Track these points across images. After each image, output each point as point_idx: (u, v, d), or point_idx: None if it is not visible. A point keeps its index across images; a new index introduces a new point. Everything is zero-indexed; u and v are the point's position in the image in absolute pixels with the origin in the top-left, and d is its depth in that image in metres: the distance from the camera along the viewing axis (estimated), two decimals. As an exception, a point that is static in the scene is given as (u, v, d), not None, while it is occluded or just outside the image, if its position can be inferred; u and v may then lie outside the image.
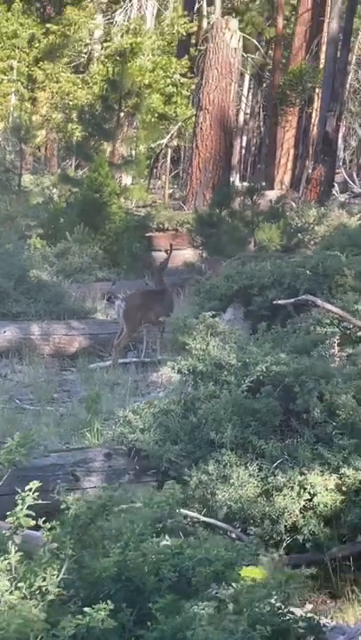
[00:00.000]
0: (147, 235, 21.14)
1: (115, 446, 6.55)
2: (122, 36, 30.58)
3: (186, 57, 32.02)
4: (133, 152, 30.03)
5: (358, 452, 5.70)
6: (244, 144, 46.76)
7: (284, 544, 5.61)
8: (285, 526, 5.64)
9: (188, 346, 6.61)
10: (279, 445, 5.92)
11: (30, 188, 21.24)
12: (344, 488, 5.60)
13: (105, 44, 30.92)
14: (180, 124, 30.39)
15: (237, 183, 31.35)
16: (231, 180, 29.76)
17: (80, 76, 31.17)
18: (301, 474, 5.68)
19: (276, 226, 17.57)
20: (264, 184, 31.01)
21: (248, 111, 45.94)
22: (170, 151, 32.72)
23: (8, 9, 32.12)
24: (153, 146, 31.02)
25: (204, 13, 34.68)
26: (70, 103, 30.04)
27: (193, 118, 28.73)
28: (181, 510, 4.82)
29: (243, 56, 29.92)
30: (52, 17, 32.55)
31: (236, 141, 51.82)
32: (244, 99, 47.57)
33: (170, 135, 30.61)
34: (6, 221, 19.74)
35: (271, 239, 17.16)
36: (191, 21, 35.97)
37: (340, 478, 5.62)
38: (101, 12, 32.42)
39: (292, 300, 10.51)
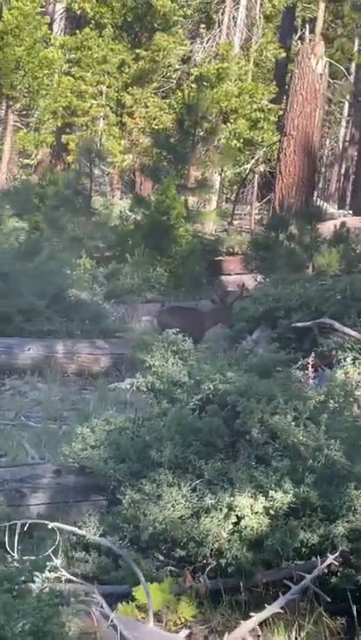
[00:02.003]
0: (215, 259, 21.11)
1: (68, 463, 6.44)
2: (209, 62, 30.69)
3: (273, 83, 31.93)
4: (218, 176, 30.14)
5: (292, 474, 5.47)
6: (343, 171, 46.41)
7: (208, 568, 5.41)
8: (212, 550, 5.44)
9: (146, 363, 6.46)
10: (218, 466, 5.73)
11: (100, 210, 21.35)
12: (272, 512, 5.39)
13: (192, 70, 31.03)
14: (264, 149, 30.25)
15: (333, 210, 31.11)
16: (325, 206, 29.49)
17: (167, 101, 31.36)
18: (232, 496, 5.48)
19: (336, 250, 17.27)
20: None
21: (348, 138, 45.59)
22: (257, 176, 32.59)
23: (100, 35, 32.58)
24: (239, 171, 31.02)
25: (307, 40, 34.58)
26: (156, 128, 30.22)
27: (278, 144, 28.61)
28: (57, 524, 4.69)
29: (329, 82, 29.66)
30: (142, 43, 32.86)
31: (334, 169, 51.51)
32: (344, 125, 47.30)
33: (255, 160, 30.50)
34: (73, 243, 19.89)
35: (330, 264, 16.86)
36: (289, 48, 36.01)
37: (269, 501, 5.39)
38: (190, 38, 32.56)
39: (310, 322, 10.34)
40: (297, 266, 16.77)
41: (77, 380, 11.42)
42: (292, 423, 5.64)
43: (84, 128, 32.21)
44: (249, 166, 30.39)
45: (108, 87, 32.25)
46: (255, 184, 32.65)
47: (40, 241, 18.73)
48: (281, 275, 16.03)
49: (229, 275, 19.76)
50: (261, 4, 32.81)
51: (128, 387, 6.59)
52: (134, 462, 6.11)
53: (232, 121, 29.95)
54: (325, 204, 31.08)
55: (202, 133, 23.02)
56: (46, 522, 5.07)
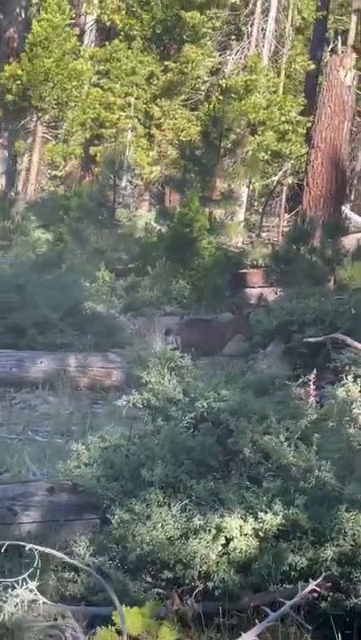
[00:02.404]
0: (239, 271, 21.00)
1: (61, 480, 6.35)
2: (237, 74, 30.63)
3: (302, 95, 31.81)
4: (245, 188, 30.03)
5: (282, 495, 5.35)
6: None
7: (196, 591, 5.30)
8: (199, 572, 5.32)
9: (142, 379, 6.36)
10: (209, 486, 5.62)
11: (123, 222, 21.30)
12: (261, 534, 5.27)
13: (220, 82, 30.97)
14: (292, 161, 30.11)
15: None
16: (356, 219, 29.33)
17: (195, 112, 31.31)
18: (221, 517, 5.37)
19: (359, 264, 17.12)
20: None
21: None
22: (285, 189, 32.44)
23: (129, 47, 32.62)
24: (267, 183, 30.91)
25: (340, 52, 34.36)
26: (184, 139, 30.17)
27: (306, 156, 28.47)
28: (34, 546, 4.60)
29: (358, 94, 29.48)
30: (170, 55, 32.87)
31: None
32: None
33: (282, 172, 30.37)
34: (96, 255, 19.86)
35: (352, 278, 16.73)
36: (320, 60, 35.87)
37: (259, 523, 5.28)
38: (219, 50, 32.51)
39: (322, 337, 10.21)
40: (318, 279, 16.62)
41: (89, 393, 11.33)
42: (285, 443, 5.52)
43: (112, 140, 32.21)
44: (277, 178, 30.25)
45: (136, 99, 32.26)
46: (283, 196, 32.48)
47: (62, 252, 18.75)
48: (302, 288, 15.91)
49: (253, 287, 19.67)
50: (291, 16, 32.66)
51: (124, 403, 6.46)
52: (127, 481, 6.01)
53: (260, 133, 29.84)
54: (359, 217, 30.83)
55: (228, 145, 22.90)
56: (23, 543, 4.96)
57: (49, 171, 33.82)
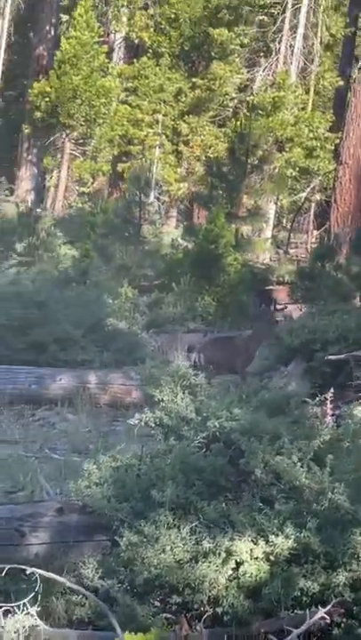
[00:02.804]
0: (265, 288, 20.83)
1: (71, 501, 6.23)
2: (265, 90, 30.56)
3: (331, 111, 31.67)
4: (273, 204, 29.90)
5: (294, 518, 5.20)
6: None
7: (205, 616, 5.15)
8: (208, 597, 5.18)
9: (155, 397, 6.24)
10: (220, 508, 5.48)
11: (149, 239, 21.24)
12: (272, 557, 5.13)
13: (248, 98, 30.91)
14: (320, 177, 29.95)
15: None
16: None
17: (222, 129, 31.25)
18: (231, 540, 5.23)
19: (386, 281, 16.95)
20: None
21: None
22: (313, 205, 32.29)
23: (157, 63, 32.66)
24: (295, 199, 30.77)
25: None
26: (211, 156, 30.09)
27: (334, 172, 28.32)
28: (38, 570, 4.47)
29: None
30: (198, 71, 32.86)
31: None
32: None
33: (310, 189, 30.22)
34: (121, 271, 19.79)
35: (378, 294, 16.55)
36: (349, 76, 35.66)
37: (270, 546, 5.13)
38: (247, 66, 32.47)
39: (344, 355, 10.05)
40: (343, 296, 16.45)
41: (109, 411, 11.21)
42: (298, 464, 5.37)
43: (140, 157, 32.20)
44: (304, 195, 30.10)
45: (164, 116, 32.27)
46: (312, 213, 32.32)
47: (87, 269, 18.69)
48: (326, 305, 15.74)
49: (280, 305, 19.48)
50: (319, 33, 32.56)
51: (136, 422, 6.34)
52: (138, 501, 5.88)
53: (288, 149, 29.72)
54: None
55: (255, 162, 22.79)
56: (23, 567, 4.84)
57: (77, 187, 33.85)
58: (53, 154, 34.43)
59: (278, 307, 14.21)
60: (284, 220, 33.94)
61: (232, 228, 21.15)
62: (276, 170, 28.33)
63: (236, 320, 17.58)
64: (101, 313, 13.14)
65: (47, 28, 39.50)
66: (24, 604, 4.62)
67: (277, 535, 5.14)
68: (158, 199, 33.06)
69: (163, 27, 33.34)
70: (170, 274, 19.59)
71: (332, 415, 6.72)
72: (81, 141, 33.07)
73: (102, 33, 35.08)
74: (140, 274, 20.12)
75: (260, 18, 31.48)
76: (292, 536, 5.10)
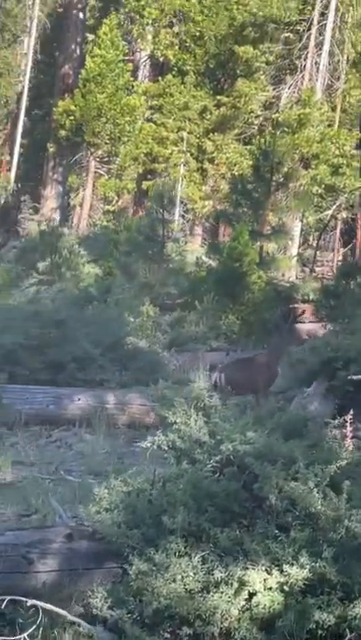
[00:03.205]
0: (290, 306, 20.57)
1: (81, 526, 6.02)
2: (290, 108, 30.39)
3: (357, 128, 31.44)
4: (299, 222, 29.69)
5: (310, 546, 4.97)
6: None
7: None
8: (221, 629, 4.95)
9: (167, 420, 6.03)
10: (233, 535, 5.25)
11: (172, 257, 21.06)
12: (286, 588, 4.89)
13: (274, 116, 30.74)
14: (346, 195, 29.70)
15: None
16: None
17: (247, 147, 31.07)
18: (245, 569, 5.00)
19: None
20: None
21: None
22: (339, 223, 32.03)
23: (182, 81, 32.58)
24: (320, 217, 30.53)
25: None
26: (236, 174, 29.91)
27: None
28: (39, 603, 4.26)
29: None
30: (223, 89, 32.74)
31: None
32: None
33: (336, 206, 29.97)
34: (144, 289, 19.63)
35: None
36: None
37: (284, 576, 4.90)
38: (273, 84, 32.30)
39: (367, 374, 9.77)
40: (368, 314, 16.15)
41: (127, 432, 10.99)
42: (314, 490, 5.14)
43: (165, 174, 32.09)
44: (330, 212, 29.85)
45: (189, 133, 32.15)
46: (338, 230, 32.06)
47: (110, 286, 18.54)
48: (351, 323, 15.47)
49: (303, 322, 19.24)
50: (345, 50, 32.34)
51: (149, 445, 6.13)
52: (149, 528, 5.67)
53: (314, 166, 29.50)
54: None
55: (279, 179, 22.59)
56: (23, 599, 4.64)
57: (102, 205, 33.78)
58: (78, 172, 34.40)
59: (298, 318, 14.00)
60: (311, 238, 33.68)
61: (256, 246, 20.97)
62: (302, 187, 28.20)
63: (261, 338, 17.35)
64: (121, 331, 12.94)
65: (73, 46, 39.58)
66: (24, 638, 4.40)
67: (292, 565, 4.91)
68: (183, 217, 32.95)
69: (188, 44, 33.27)
70: (193, 292, 19.42)
71: (353, 437, 6.47)
72: (106, 159, 33.02)
73: (127, 51, 35.10)
74: (164, 292, 19.96)
75: (286, 35, 31.32)
76: (308, 566, 4.88)
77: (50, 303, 13.92)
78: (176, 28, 34.16)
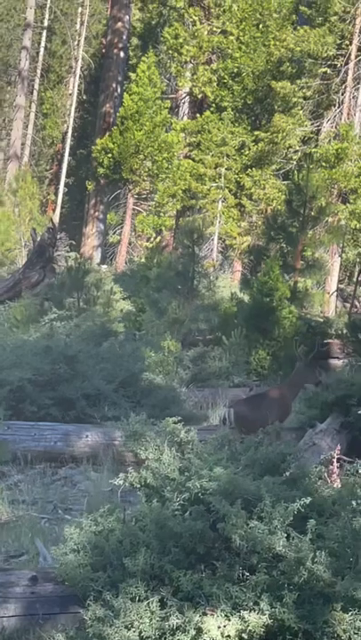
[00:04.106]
0: (323, 342, 20.20)
1: (47, 568, 5.74)
2: (328, 142, 30.12)
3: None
4: (338, 257, 29.34)
5: (272, 590, 4.64)
6: None
7: None
8: None
9: (138, 455, 5.75)
10: (195, 578, 4.94)
11: (203, 292, 20.81)
12: (245, 636, 4.56)
13: (309, 150, 30.48)
14: (384, 229, 29.27)
15: None
16: None
17: (285, 182, 30.82)
18: (203, 614, 4.68)
19: None
20: None
21: None
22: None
23: (220, 118, 32.49)
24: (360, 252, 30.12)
25: None
26: (274, 209, 29.67)
27: None
28: None
29: None
30: (261, 124, 32.58)
31: None
32: None
33: (375, 240, 29.54)
34: (174, 325, 19.39)
35: None
36: None
37: (243, 623, 4.57)
38: (311, 119, 32.08)
39: (377, 410, 9.44)
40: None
41: (136, 468, 10.64)
42: (279, 530, 4.81)
43: (204, 211, 31.94)
44: (368, 247, 29.45)
45: (227, 169, 31.99)
46: (379, 265, 31.58)
47: (140, 323, 18.36)
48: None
49: (337, 358, 18.88)
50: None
51: (120, 482, 5.84)
52: (115, 570, 5.38)
53: (352, 201, 29.16)
54: None
55: (312, 213, 22.30)
56: None
57: (140, 242, 33.70)
58: (117, 210, 34.40)
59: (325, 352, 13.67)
60: (350, 273, 33.29)
61: (290, 281, 20.70)
62: (339, 222, 27.90)
63: (290, 374, 17.01)
64: (136, 367, 12.66)
65: (114, 85, 39.78)
66: None
67: (252, 610, 4.57)
68: (222, 253, 32.74)
69: (226, 81, 33.21)
70: (224, 327, 19.15)
71: (339, 475, 6.13)
72: (144, 197, 32.97)
73: (168, 89, 35.18)
74: (194, 327, 19.70)
75: (323, 70, 31.10)
76: (268, 612, 4.53)
77: (64, 338, 13.70)
78: (214, 65, 34.16)
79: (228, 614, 4.66)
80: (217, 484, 5.09)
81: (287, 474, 5.58)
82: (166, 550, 5.11)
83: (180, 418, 6.10)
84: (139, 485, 5.82)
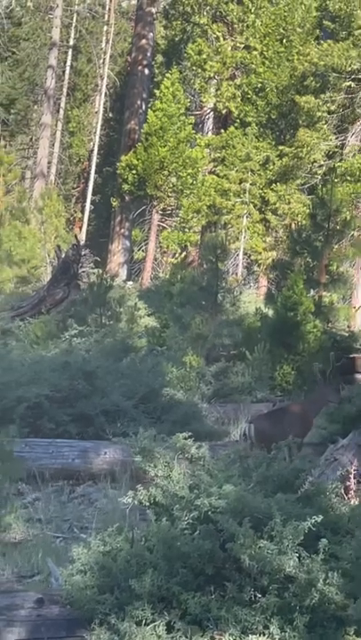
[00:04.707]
0: (350, 356, 19.95)
1: (54, 591, 5.56)
2: (353, 156, 29.92)
3: None
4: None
5: (282, 613, 4.43)
6: None
7: None
8: None
9: (147, 473, 5.56)
10: (205, 600, 4.74)
11: (227, 307, 20.60)
12: (253, 663, 4.34)
13: (333, 164, 30.29)
14: None
15: None
16: None
17: (310, 196, 30.61)
18: (212, 639, 4.47)
19: None
20: None
21: None
22: None
23: (244, 133, 32.37)
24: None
25: None
26: (299, 224, 29.46)
27: None
28: None
29: None
30: (286, 139, 32.42)
31: None
32: None
33: None
34: (197, 340, 19.19)
35: None
36: None
37: (251, 649, 4.36)
38: (336, 132, 31.87)
39: None
40: None
41: (149, 487, 10.46)
42: (289, 550, 4.60)
43: (229, 226, 31.78)
44: (395, 260, 29.12)
45: (251, 185, 31.83)
46: None
47: (164, 339, 18.19)
48: None
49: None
50: None
51: (129, 500, 5.66)
52: (123, 591, 5.18)
53: (375, 214, 28.92)
54: None
55: (337, 227, 22.07)
56: None
57: (165, 258, 33.60)
58: (142, 226, 34.32)
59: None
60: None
61: (315, 295, 20.47)
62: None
63: (314, 389, 16.79)
64: (156, 383, 12.48)
65: (138, 102, 39.76)
66: None
67: (262, 634, 4.36)
68: (248, 269, 32.55)
69: (250, 96, 33.09)
70: (248, 342, 18.94)
71: (356, 491, 5.91)
72: (169, 213, 32.87)
73: (193, 105, 35.10)
74: (218, 343, 19.50)
75: (348, 84, 30.91)
76: (278, 636, 4.32)
77: (83, 354, 13.55)
78: (238, 81, 34.06)
79: (237, 638, 4.44)
80: (226, 502, 4.87)
81: (301, 491, 5.35)
82: (174, 571, 4.92)
83: (190, 434, 5.90)
84: (148, 504, 5.61)
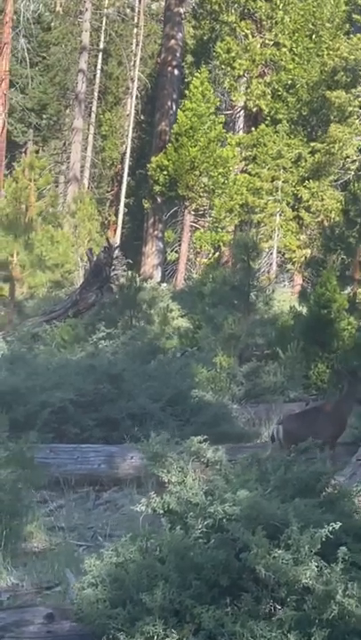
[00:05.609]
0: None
1: (65, 605, 5.29)
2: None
3: None
4: None
5: (300, 627, 4.12)
6: None
7: None
8: None
9: (160, 478, 5.28)
10: (218, 614, 4.45)
11: (259, 306, 20.25)
12: None
13: (366, 159, 29.93)
14: None
15: None
16: None
17: (344, 193, 30.22)
18: (225, 656, 4.19)
19: None
20: None
21: None
22: None
23: (275, 130, 32.04)
24: None
25: None
26: (332, 220, 29.09)
27: None
28: None
29: None
30: (317, 136, 32.04)
31: None
32: None
33: None
34: (230, 341, 18.88)
35: None
36: None
37: (267, 667, 4.07)
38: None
39: None
40: None
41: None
42: (306, 559, 4.29)
43: (262, 225, 31.44)
44: None
45: (283, 182, 31.48)
46: None
47: (197, 340, 17.92)
48: None
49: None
50: None
51: (143, 508, 5.38)
52: (136, 605, 4.89)
53: None
54: None
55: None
56: None
57: (199, 259, 33.33)
58: (175, 227, 34.08)
59: None
60: None
61: (350, 292, 20.13)
62: None
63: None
64: (184, 384, 12.19)
65: (169, 103, 39.54)
66: None
67: (276, 652, 4.06)
68: (281, 267, 32.19)
69: (280, 93, 32.75)
70: (281, 341, 18.60)
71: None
72: (201, 213, 32.60)
73: (223, 104, 34.82)
74: (251, 342, 19.16)
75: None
76: (295, 652, 4.02)
77: (109, 357, 13.29)
78: (268, 78, 33.73)
79: (252, 655, 4.15)
80: (240, 508, 4.58)
81: (324, 494, 5.04)
82: (187, 583, 4.63)
83: (205, 437, 5.61)
84: (162, 511, 5.33)
